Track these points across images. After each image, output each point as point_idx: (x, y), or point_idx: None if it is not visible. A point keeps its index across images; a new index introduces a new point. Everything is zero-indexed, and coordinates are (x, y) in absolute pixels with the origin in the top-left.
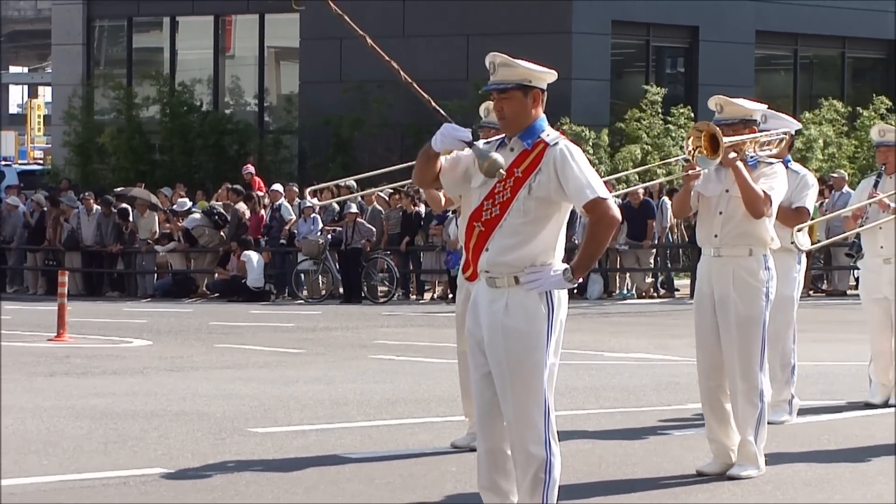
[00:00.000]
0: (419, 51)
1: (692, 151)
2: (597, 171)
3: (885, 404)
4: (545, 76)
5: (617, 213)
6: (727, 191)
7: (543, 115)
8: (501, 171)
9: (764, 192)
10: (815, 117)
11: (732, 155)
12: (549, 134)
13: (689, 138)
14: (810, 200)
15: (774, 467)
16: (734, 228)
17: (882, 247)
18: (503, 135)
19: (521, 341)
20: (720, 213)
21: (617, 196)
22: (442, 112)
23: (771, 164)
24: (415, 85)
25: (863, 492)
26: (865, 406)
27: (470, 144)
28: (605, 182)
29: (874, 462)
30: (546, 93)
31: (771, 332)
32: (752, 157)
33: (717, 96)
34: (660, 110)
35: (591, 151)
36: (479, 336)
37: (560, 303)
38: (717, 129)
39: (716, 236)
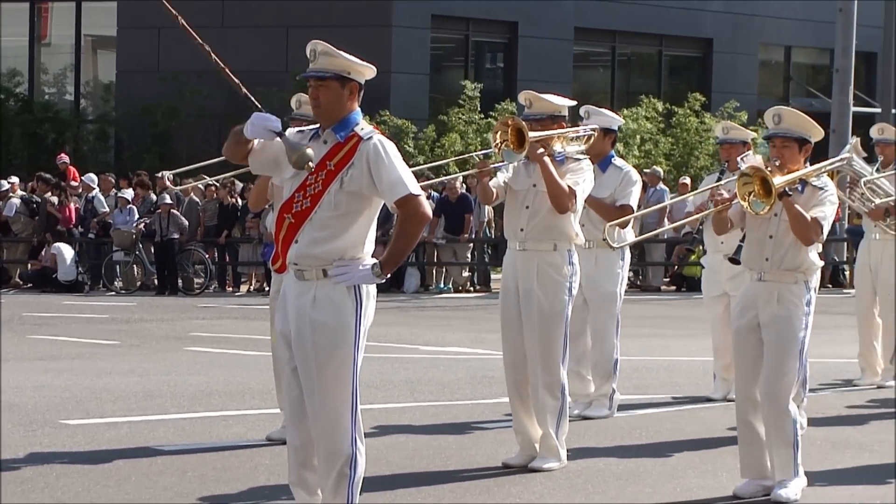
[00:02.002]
0: (238, 42)
1: (499, 145)
2: (416, 163)
3: (725, 399)
4: (365, 71)
5: (428, 210)
6: (534, 185)
7: (359, 110)
8: (311, 163)
9: (569, 187)
10: (632, 114)
11: (540, 150)
12: (363, 128)
13: (495, 132)
14: (634, 197)
15: (586, 461)
16: (540, 223)
17: (722, 242)
18: (317, 126)
19: (328, 335)
20: (527, 207)
21: (432, 185)
22: (253, 100)
23: (578, 160)
24: (227, 71)
25: (673, 485)
26: (707, 400)
27: (280, 135)
28: (420, 171)
29: (684, 456)
30: (364, 88)
31: (594, 327)
32: (559, 153)
33: (527, 91)
34: (478, 105)
35: (411, 145)
36: (287, 329)
37: (368, 297)
38: (524, 123)
39: (522, 230)
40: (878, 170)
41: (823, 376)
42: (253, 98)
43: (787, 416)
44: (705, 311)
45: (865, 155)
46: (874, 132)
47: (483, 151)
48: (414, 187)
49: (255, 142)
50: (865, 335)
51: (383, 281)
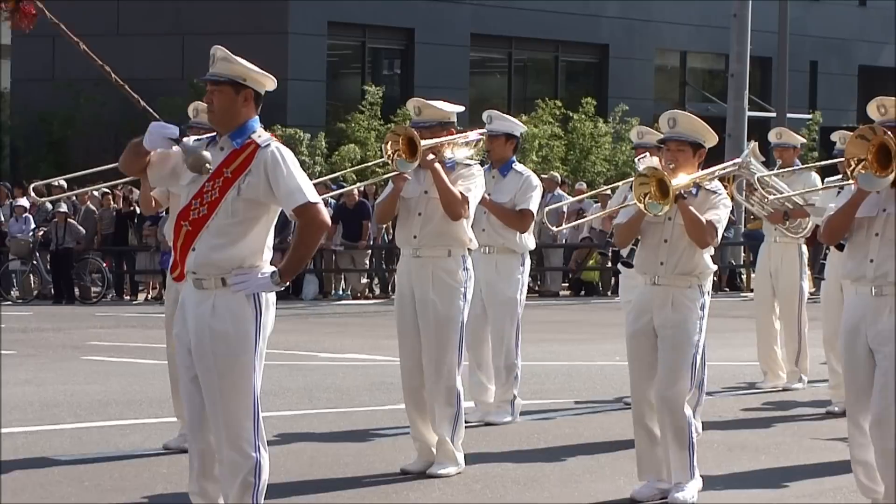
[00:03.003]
0: (134, 49)
1: (391, 155)
2: (312, 172)
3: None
4: (262, 80)
5: (326, 217)
6: (426, 192)
7: (257, 118)
8: (208, 165)
9: (461, 193)
10: (530, 119)
11: (431, 157)
12: (260, 135)
13: (387, 142)
14: (534, 202)
15: (484, 466)
16: (433, 229)
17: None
18: (215, 133)
19: (227, 345)
20: (419, 214)
21: (333, 196)
22: (151, 111)
23: (469, 165)
24: (126, 87)
25: (570, 490)
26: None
27: (177, 142)
28: (319, 182)
29: (582, 460)
30: (262, 97)
31: (495, 333)
32: (449, 159)
33: (415, 99)
34: (378, 112)
35: (305, 153)
36: (187, 339)
37: (268, 306)
38: (415, 132)
39: (415, 237)
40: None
41: (720, 379)
42: (150, 109)
43: (683, 419)
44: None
45: (764, 159)
46: (772, 136)
47: (381, 160)
48: (312, 195)
49: (153, 154)
50: (764, 338)
51: (282, 289)
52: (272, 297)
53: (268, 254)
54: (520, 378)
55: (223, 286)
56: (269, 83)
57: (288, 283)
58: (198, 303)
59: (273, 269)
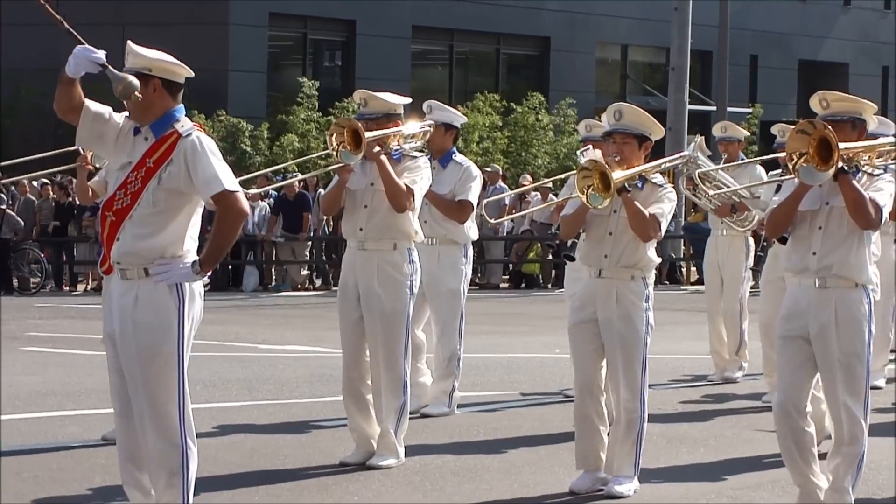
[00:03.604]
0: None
1: (336, 147)
2: (254, 163)
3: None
4: (170, 68)
5: (245, 205)
6: (372, 184)
7: (180, 107)
8: (137, 94)
9: (407, 185)
10: (470, 111)
11: (377, 149)
12: (183, 125)
13: (331, 134)
14: (474, 193)
15: (424, 458)
16: (379, 222)
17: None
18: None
19: (150, 335)
20: (365, 206)
21: (275, 188)
22: (76, 34)
23: (415, 157)
24: (47, 7)
25: (510, 482)
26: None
27: (104, 67)
28: (260, 174)
29: (521, 452)
30: (179, 86)
31: (437, 324)
32: (396, 151)
33: (361, 90)
34: (317, 104)
35: (248, 143)
36: (112, 330)
37: (192, 295)
38: (359, 124)
39: (361, 230)
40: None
41: (661, 372)
42: (75, 33)
43: (636, 412)
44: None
45: (710, 153)
46: (717, 130)
47: (323, 153)
48: (230, 183)
49: (88, 102)
50: (715, 330)
51: (204, 278)
52: (197, 287)
53: (191, 244)
54: (461, 370)
55: (146, 276)
56: (179, 71)
57: (212, 274)
58: (122, 294)
59: (195, 258)
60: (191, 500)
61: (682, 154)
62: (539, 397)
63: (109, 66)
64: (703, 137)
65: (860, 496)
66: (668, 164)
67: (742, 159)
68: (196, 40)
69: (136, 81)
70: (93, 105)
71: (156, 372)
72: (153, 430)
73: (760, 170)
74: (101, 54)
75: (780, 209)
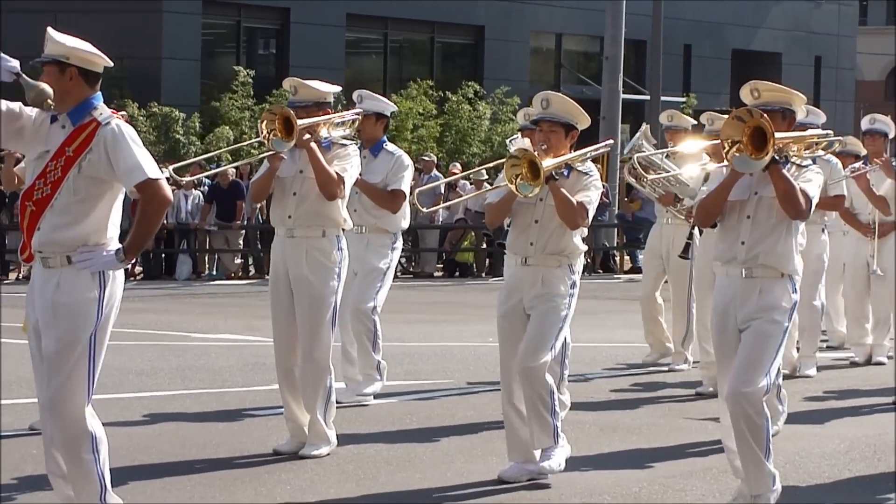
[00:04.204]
0: (7, 26)
1: (267, 135)
2: (187, 151)
3: None
4: (87, 57)
5: (168, 193)
6: (301, 172)
7: (98, 94)
8: (49, 101)
9: (337, 173)
10: (404, 100)
11: (307, 137)
12: (101, 113)
13: (263, 121)
14: (406, 182)
15: (357, 446)
16: (308, 209)
17: None
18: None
19: (70, 321)
20: (294, 193)
21: (208, 176)
22: None
23: (344, 145)
24: None
25: (443, 470)
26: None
27: (18, 75)
28: (193, 162)
29: (454, 441)
30: (97, 74)
31: (355, 298)
32: (325, 139)
33: (292, 78)
34: (251, 92)
35: (181, 132)
36: (35, 318)
37: (114, 282)
38: (291, 111)
39: (290, 217)
40: (668, 157)
41: (593, 361)
42: None
43: (544, 386)
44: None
45: (655, 141)
46: (664, 119)
47: (255, 140)
48: (152, 171)
49: (3, 103)
50: (649, 313)
51: (127, 266)
52: (119, 274)
53: (114, 231)
54: (381, 345)
55: (69, 264)
56: (97, 60)
57: (145, 262)
58: (44, 281)
59: (119, 246)
60: (107, 483)
61: (608, 142)
62: (472, 386)
63: (23, 75)
64: (648, 126)
65: (789, 483)
66: (595, 153)
67: None
68: (129, 28)
69: (48, 89)
70: (3, 104)
71: (69, 360)
72: (61, 417)
73: (706, 158)
74: (15, 63)
75: (709, 198)
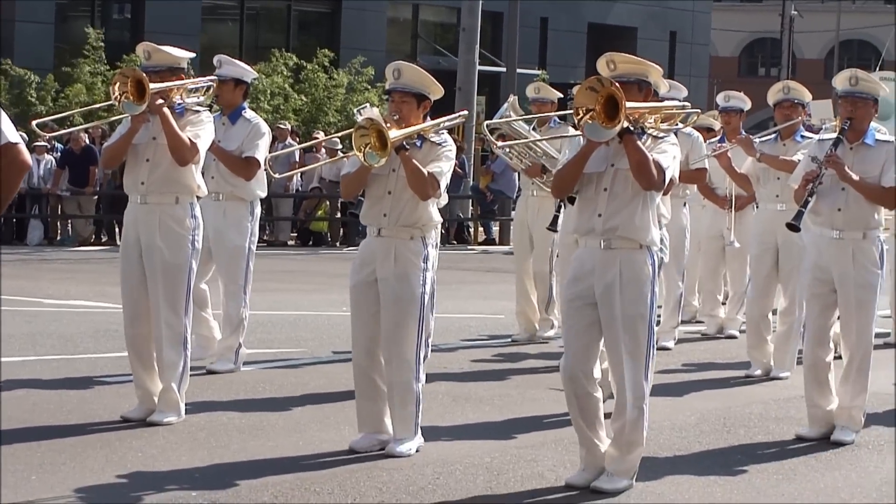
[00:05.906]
0: None
1: (118, 97)
2: (40, 114)
3: None
4: None
5: (28, 158)
6: (154, 138)
7: None
8: None
9: (190, 139)
10: (264, 68)
11: (160, 101)
12: None
13: (114, 83)
14: (262, 150)
15: (209, 414)
16: (161, 176)
17: None
18: None
19: None
20: (147, 160)
21: (58, 136)
22: None
23: (197, 111)
24: None
25: (295, 439)
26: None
27: None
28: (52, 121)
29: (307, 410)
30: None
31: (224, 280)
32: (179, 105)
33: (145, 43)
34: (104, 56)
35: (34, 95)
36: None
37: None
38: (144, 74)
39: (142, 184)
40: (534, 128)
41: (448, 331)
42: None
43: (410, 374)
44: None
45: (522, 112)
46: (530, 91)
47: (105, 104)
48: (11, 135)
49: None
50: (522, 290)
51: None
52: None
53: None
54: (246, 327)
55: None
56: None
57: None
58: None
59: None
60: None
61: (462, 113)
62: (325, 356)
63: None
64: (516, 97)
65: (643, 455)
66: (447, 123)
67: (555, 120)
68: None
69: None
70: None
71: None
72: None
73: (572, 131)
74: None
75: (565, 169)
